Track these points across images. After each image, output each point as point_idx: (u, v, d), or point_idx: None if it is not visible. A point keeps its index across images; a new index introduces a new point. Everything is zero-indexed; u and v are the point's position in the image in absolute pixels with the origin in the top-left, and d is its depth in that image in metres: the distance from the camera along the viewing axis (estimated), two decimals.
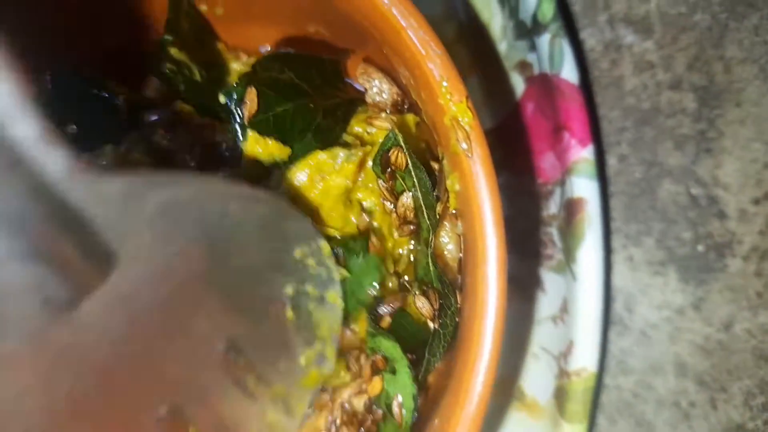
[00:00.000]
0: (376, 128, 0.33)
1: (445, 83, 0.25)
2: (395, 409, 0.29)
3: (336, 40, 0.36)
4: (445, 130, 0.25)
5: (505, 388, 0.41)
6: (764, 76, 0.40)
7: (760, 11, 0.40)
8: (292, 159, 0.31)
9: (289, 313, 0.25)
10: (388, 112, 0.34)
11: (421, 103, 0.28)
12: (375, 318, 0.31)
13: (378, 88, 0.33)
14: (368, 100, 0.33)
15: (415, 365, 0.32)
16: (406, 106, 0.34)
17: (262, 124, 0.30)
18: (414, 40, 0.25)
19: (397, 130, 0.30)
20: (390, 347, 0.30)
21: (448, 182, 0.26)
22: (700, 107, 0.41)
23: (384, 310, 0.30)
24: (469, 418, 0.25)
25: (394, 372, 0.29)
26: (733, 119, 0.40)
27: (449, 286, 0.29)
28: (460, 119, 0.25)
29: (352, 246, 0.30)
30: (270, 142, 0.30)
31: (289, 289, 0.26)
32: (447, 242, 0.31)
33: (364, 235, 0.31)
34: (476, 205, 0.25)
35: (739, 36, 0.40)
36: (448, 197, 0.28)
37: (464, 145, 0.24)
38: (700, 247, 0.40)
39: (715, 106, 0.41)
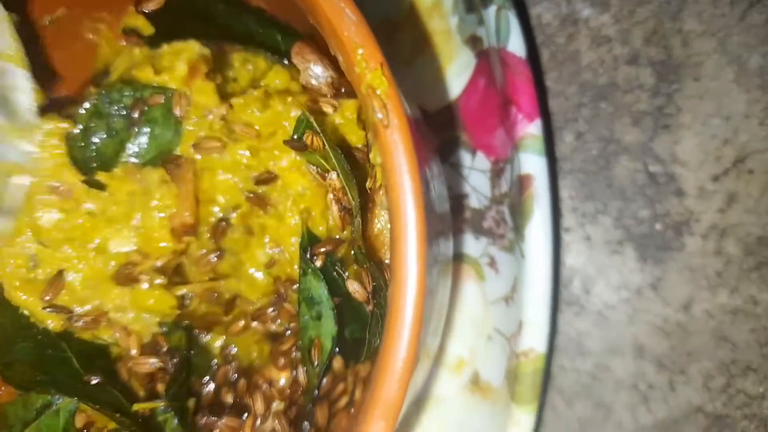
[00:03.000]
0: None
1: (360, 50, 0.24)
2: (313, 353, 0.30)
3: (278, 12, 0.35)
4: (364, 100, 0.24)
5: (462, 371, 0.40)
6: (723, 49, 0.39)
7: None
8: None
9: None
10: (329, 96, 0.33)
11: (348, 76, 0.27)
12: (310, 255, 0.31)
13: (312, 72, 0.32)
14: (301, 82, 0.32)
15: (356, 346, 0.32)
16: (343, 90, 0.33)
17: None
18: (329, 6, 0.24)
19: (308, 113, 0.29)
20: (318, 288, 0.30)
21: (371, 155, 0.26)
22: (657, 82, 0.40)
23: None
24: (388, 401, 0.24)
25: (319, 317, 0.30)
26: (691, 94, 0.39)
27: (379, 265, 0.28)
28: (375, 88, 0.24)
29: None
30: None
31: None
32: (383, 218, 0.30)
33: None
34: (395, 177, 0.24)
35: (697, 8, 0.39)
36: (376, 171, 0.27)
37: (380, 115, 0.24)
38: (658, 226, 0.39)
39: (674, 80, 0.39)
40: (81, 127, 0.32)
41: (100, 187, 0.32)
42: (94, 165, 0.33)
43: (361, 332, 0.31)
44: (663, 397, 0.39)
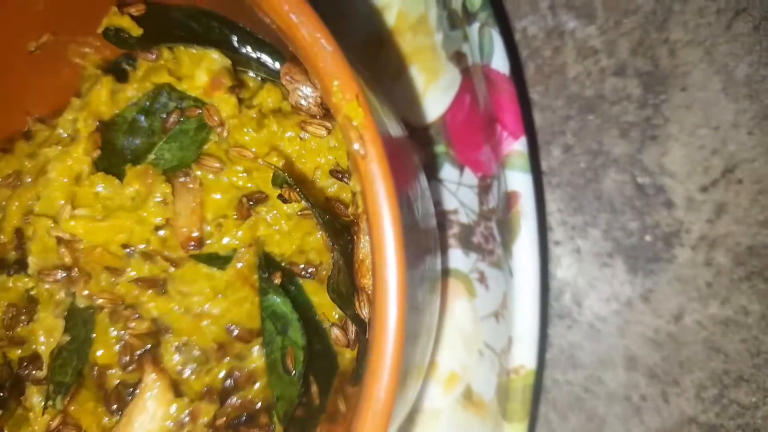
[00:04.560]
0: (310, 134, 0.32)
1: (336, 82, 0.24)
2: (287, 362, 0.31)
3: (264, 35, 0.35)
4: (341, 130, 0.24)
5: (455, 386, 0.40)
6: (710, 59, 0.39)
7: None
8: None
9: None
10: (319, 117, 0.33)
11: (327, 104, 0.27)
12: (268, 275, 0.32)
13: (304, 92, 0.32)
14: (290, 102, 0.33)
15: (323, 358, 0.32)
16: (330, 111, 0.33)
17: None
18: (305, 36, 0.24)
19: (282, 170, 0.30)
20: (280, 304, 0.31)
21: (351, 183, 0.26)
22: (645, 93, 0.39)
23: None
24: (375, 416, 0.24)
25: (285, 331, 0.30)
26: (679, 104, 0.39)
27: (361, 295, 0.28)
28: (351, 119, 0.24)
29: None
30: None
31: None
32: (368, 248, 0.30)
33: None
34: (373, 205, 0.24)
35: (683, 18, 0.39)
36: (357, 199, 0.27)
37: (356, 146, 0.24)
38: (648, 237, 0.39)
39: (661, 91, 0.39)
40: (131, 118, 0.32)
41: (119, 176, 0.33)
42: (128, 156, 0.33)
43: (321, 344, 0.31)
44: (656, 408, 0.39)
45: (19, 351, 0.34)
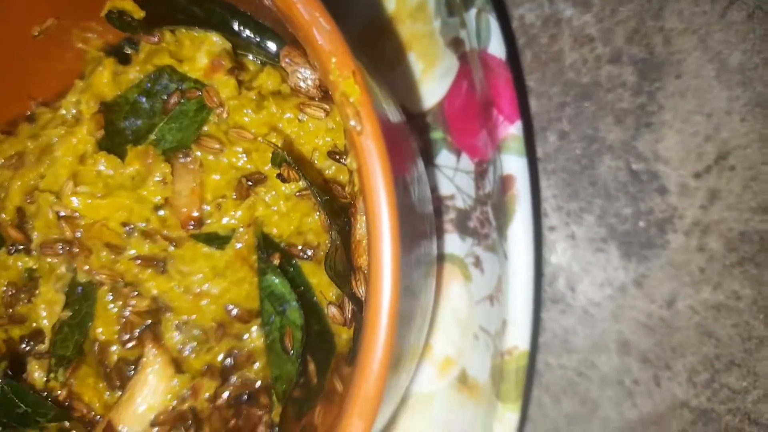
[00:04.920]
0: (308, 116, 0.33)
1: (333, 59, 0.24)
2: (286, 342, 0.31)
3: (263, 19, 0.36)
4: (339, 107, 0.25)
5: (450, 370, 0.41)
6: (704, 46, 0.39)
7: None
8: None
9: None
10: (318, 99, 0.33)
11: (325, 83, 0.27)
12: (267, 255, 0.32)
13: (303, 74, 0.33)
14: (290, 84, 0.33)
15: (319, 338, 0.33)
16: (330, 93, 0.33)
17: None
18: (304, 15, 0.25)
19: (281, 149, 0.30)
20: (279, 284, 0.31)
21: (348, 161, 0.26)
22: (640, 80, 0.40)
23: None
24: (366, 401, 0.25)
25: (284, 311, 0.31)
26: (673, 92, 0.40)
27: (357, 273, 0.29)
28: (348, 95, 0.24)
29: None
30: None
31: None
32: (365, 229, 0.30)
33: None
34: (369, 182, 0.24)
35: (678, 6, 0.40)
36: (354, 177, 0.28)
37: (353, 122, 0.24)
38: (642, 223, 0.40)
39: (655, 78, 0.40)
40: (132, 99, 0.33)
41: (121, 156, 0.33)
42: (130, 136, 0.34)
43: (318, 325, 0.32)
44: (648, 392, 0.40)
45: (19, 329, 0.35)
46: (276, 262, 0.32)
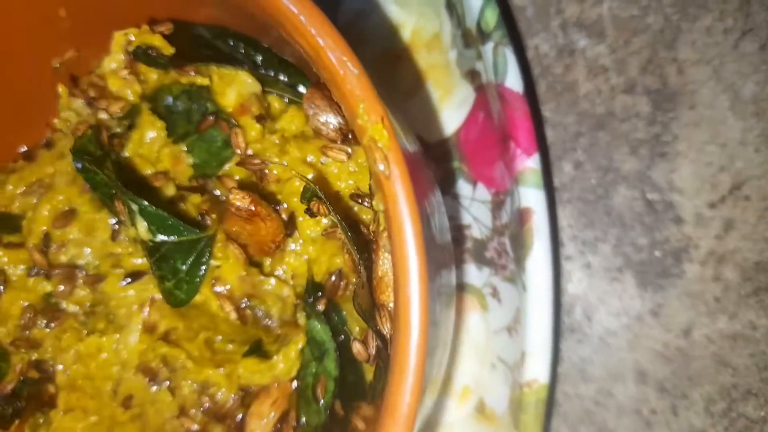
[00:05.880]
0: (331, 159, 0.33)
1: (362, 105, 0.25)
2: (318, 391, 0.30)
3: (291, 58, 0.36)
4: (366, 151, 0.25)
5: (468, 399, 0.41)
6: (717, 77, 0.40)
7: (711, 12, 0.40)
8: None
9: None
10: (339, 142, 0.33)
11: (351, 126, 0.27)
12: (313, 300, 0.32)
13: (324, 119, 0.33)
14: (311, 126, 0.33)
15: (351, 389, 0.33)
16: (350, 136, 0.33)
17: None
18: (332, 59, 0.25)
19: (313, 183, 0.30)
20: (320, 331, 0.31)
21: (374, 202, 0.26)
22: (654, 110, 0.40)
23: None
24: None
25: (322, 358, 0.30)
26: (687, 122, 0.40)
27: (381, 309, 0.29)
28: (377, 140, 0.24)
29: None
30: None
31: None
32: (387, 261, 0.30)
33: None
34: (397, 225, 0.24)
35: (691, 37, 0.40)
36: (379, 216, 0.28)
37: (381, 166, 0.24)
38: (657, 253, 0.40)
39: (669, 109, 0.40)
40: (177, 93, 0.34)
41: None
42: (182, 119, 0.34)
43: (354, 376, 0.32)
44: (665, 421, 0.40)
45: (36, 354, 0.35)
46: (321, 307, 0.32)
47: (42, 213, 0.35)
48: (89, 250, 0.35)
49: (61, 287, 0.34)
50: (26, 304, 0.35)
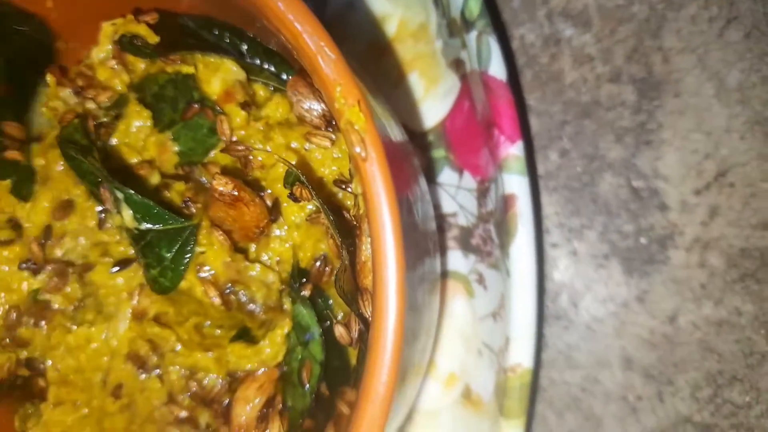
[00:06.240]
0: (314, 145, 0.33)
1: (338, 88, 0.25)
2: (303, 375, 0.31)
3: (274, 47, 0.36)
4: (344, 134, 0.25)
5: (454, 386, 0.41)
6: (702, 65, 0.40)
7: (696, 1, 0.40)
8: None
9: None
10: (323, 128, 0.33)
11: (330, 111, 0.28)
12: (298, 285, 0.32)
13: (307, 105, 0.33)
14: (294, 113, 0.33)
15: (337, 373, 0.33)
16: (334, 123, 0.34)
17: None
18: (310, 44, 0.25)
19: (295, 168, 0.30)
20: (306, 316, 0.31)
21: (353, 185, 0.27)
22: (639, 99, 0.40)
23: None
24: (372, 423, 0.25)
25: (307, 342, 0.31)
26: (672, 110, 0.40)
27: (363, 294, 0.29)
28: (353, 123, 0.25)
29: None
30: None
31: None
32: (370, 250, 0.31)
33: None
34: (373, 206, 0.25)
35: (676, 26, 0.40)
36: (358, 201, 0.28)
37: (358, 149, 0.25)
38: (643, 240, 0.40)
39: (654, 97, 0.40)
40: (163, 81, 0.34)
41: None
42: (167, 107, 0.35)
43: (339, 360, 0.32)
44: (651, 408, 0.40)
45: (25, 353, 0.35)
46: (306, 293, 0.32)
47: (42, 204, 0.35)
48: (83, 239, 0.35)
49: (54, 280, 0.34)
50: (8, 306, 0.35)
